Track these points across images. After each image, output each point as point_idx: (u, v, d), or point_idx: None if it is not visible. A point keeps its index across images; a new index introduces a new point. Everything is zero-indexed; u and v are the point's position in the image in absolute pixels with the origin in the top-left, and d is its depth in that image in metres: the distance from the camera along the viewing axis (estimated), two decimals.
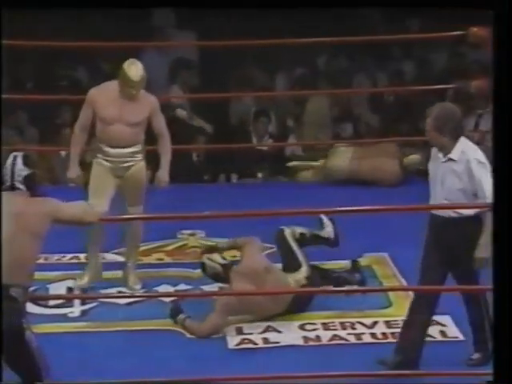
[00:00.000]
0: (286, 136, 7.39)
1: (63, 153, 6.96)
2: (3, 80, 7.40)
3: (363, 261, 5.31)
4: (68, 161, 6.84)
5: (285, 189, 6.61)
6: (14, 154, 3.60)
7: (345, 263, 5.19)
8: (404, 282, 5.04)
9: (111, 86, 4.82)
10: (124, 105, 4.76)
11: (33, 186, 3.56)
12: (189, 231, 5.68)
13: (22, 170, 3.55)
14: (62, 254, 5.34)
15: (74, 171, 4.91)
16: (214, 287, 4.91)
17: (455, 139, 4.06)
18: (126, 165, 4.84)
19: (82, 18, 7.68)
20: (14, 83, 7.61)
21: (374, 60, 8.08)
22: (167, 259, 5.42)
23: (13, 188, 3.54)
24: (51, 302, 4.75)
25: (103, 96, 4.78)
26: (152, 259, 5.38)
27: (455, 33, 5.70)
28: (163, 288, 4.97)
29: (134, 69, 4.75)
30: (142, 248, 5.46)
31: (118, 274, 5.05)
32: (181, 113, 7.32)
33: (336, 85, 7.76)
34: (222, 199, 5.97)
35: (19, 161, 3.57)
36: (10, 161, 3.58)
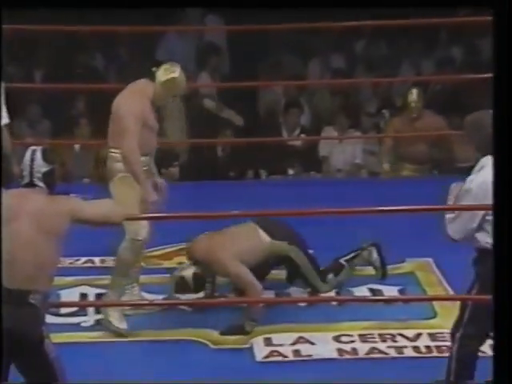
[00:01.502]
0: (319, 129, 7.36)
1: (77, 147, 7.02)
2: (13, 70, 7.49)
3: (405, 266, 5.28)
4: (83, 156, 6.92)
5: (318, 186, 6.60)
6: (33, 148, 3.61)
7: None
8: (450, 291, 5.01)
9: (147, 90, 4.67)
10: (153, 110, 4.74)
11: (52, 183, 3.58)
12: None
13: (41, 166, 3.56)
14: (76, 258, 5.36)
15: (152, 195, 4.65)
16: None
17: (482, 155, 3.94)
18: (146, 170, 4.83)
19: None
20: (25, 73, 7.67)
21: (418, 46, 8.03)
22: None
23: (32, 185, 3.55)
24: (63, 310, 4.77)
25: (146, 102, 4.67)
26: (173, 263, 5.38)
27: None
28: (185, 295, 4.97)
29: (181, 73, 4.67)
30: (163, 251, 5.49)
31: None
32: (209, 103, 7.33)
33: (376, 73, 7.74)
34: (249, 197, 5.96)
35: (38, 156, 3.57)
36: (28, 156, 3.58)
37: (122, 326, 4.59)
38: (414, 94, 6.63)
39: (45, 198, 3.54)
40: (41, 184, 3.55)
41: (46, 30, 6.37)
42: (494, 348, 3.33)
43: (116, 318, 4.58)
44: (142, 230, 4.60)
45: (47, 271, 3.47)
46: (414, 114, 6.63)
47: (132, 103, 4.59)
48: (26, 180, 3.57)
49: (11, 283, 3.40)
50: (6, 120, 5.12)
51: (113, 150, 4.62)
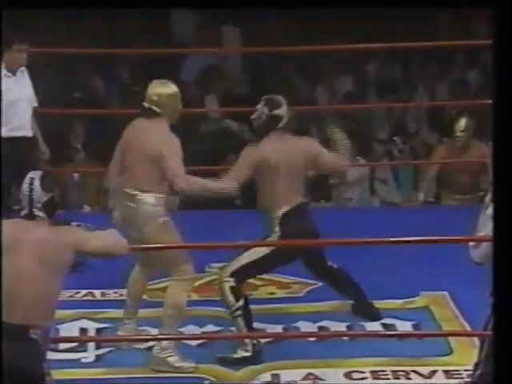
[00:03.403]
0: None
1: (76, 175, 7.11)
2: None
3: (419, 301, 5.34)
4: (82, 183, 7.02)
5: (330, 214, 6.64)
6: (31, 176, 3.60)
7: (398, 303, 5.23)
8: (467, 326, 5.05)
9: (164, 124, 4.77)
10: None
11: (53, 211, 3.58)
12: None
13: (40, 196, 3.55)
14: (76, 290, 5.42)
15: None
16: (245, 329, 4.97)
17: None
18: None
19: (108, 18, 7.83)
20: None
21: (433, 68, 8.11)
22: (194, 296, 5.47)
23: (32, 215, 3.55)
24: (62, 346, 4.81)
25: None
26: None
27: None
28: (189, 329, 5.02)
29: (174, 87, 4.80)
30: (164, 284, 5.54)
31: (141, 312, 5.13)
32: (231, 124, 7.40)
33: (388, 97, 7.81)
34: (256, 227, 6.02)
35: (37, 185, 3.56)
36: (26, 185, 3.57)
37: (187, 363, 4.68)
38: (462, 122, 6.62)
39: (47, 229, 3.55)
40: (41, 214, 3.56)
41: (43, 52, 6.49)
42: (494, 348, 3.39)
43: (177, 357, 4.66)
44: (189, 266, 4.72)
45: (49, 305, 3.49)
46: (459, 144, 6.65)
47: (172, 141, 4.68)
48: (26, 210, 3.57)
49: (11, 318, 3.43)
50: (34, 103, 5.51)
51: (146, 195, 4.67)
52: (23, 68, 5.57)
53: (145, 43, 7.14)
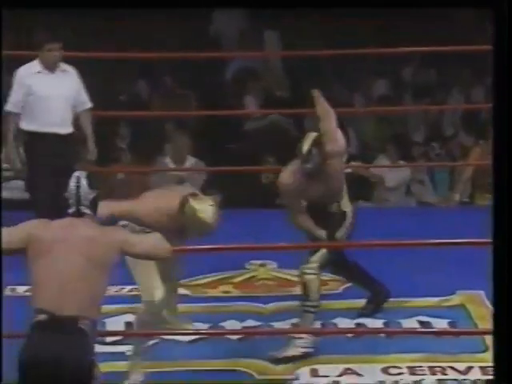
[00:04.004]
0: (367, 157, 7.39)
1: (121, 174, 7.12)
2: None
3: (455, 299, 5.28)
4: (128, 182, 7.04)
5: (368, 215, 6.60)
6: (77, 174, 3.62)
7: (434, 301, 5.18)
8: None
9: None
10: None
11: (97, 209, 3.61)
12: (259, 262, 5.72)
13: (88, 193, 3.59)
14: (121, 286, 5.42)
15: None
16: (286, 324, 4.95)
17: None
18: None
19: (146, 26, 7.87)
20: None
21: (469, 72, 8.05)
22: (234, 292, 5.47)
23: (79, 213, 3.57)
24: (108, 339, 4.82)
25: None
26: (218, 292, 5.43)
27: None
28: (230, 324, 5.00)
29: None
30: (207, 280, 5.54)
31: (181, 307, 5.12)
32: (279, 119, 7.38)
33: (424, 100, 7.76)
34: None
35: (84, 183, 3.59)
36: (73, 183, 3.59)
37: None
38: None
39: (96, 228, 3.57)
40: (88, 211, 3.58)
41: (88, 56, 6.51)
42: (494, 348, 3.34)
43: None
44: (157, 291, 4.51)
45: (96, 299, 3.50)
46: None
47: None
48: (73, 208, 3.58)
49: (61, 310, 3.44)
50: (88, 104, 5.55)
51: None
52: (68, 68, 5.56)
53: (187, 47, 7.13)
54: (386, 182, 7.18)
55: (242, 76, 8.03)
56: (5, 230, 3.58)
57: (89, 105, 5.64)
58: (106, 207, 4.16)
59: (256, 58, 8.25)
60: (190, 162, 7.04)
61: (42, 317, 3.44)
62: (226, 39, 8.38)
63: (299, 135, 6.96)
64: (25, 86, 5.42)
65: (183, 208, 4.40)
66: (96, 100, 7.68)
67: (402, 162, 7.17)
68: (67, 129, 5.54)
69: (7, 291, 5.31)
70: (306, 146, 4.69)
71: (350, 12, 7.33)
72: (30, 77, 5.45)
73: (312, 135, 4.73)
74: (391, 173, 7.20)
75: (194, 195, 4.47)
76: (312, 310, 4.71)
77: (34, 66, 5.49)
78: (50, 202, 5.24)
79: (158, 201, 4.48)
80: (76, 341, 3.42)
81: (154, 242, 3.67)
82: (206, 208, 4.42)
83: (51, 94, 5.44)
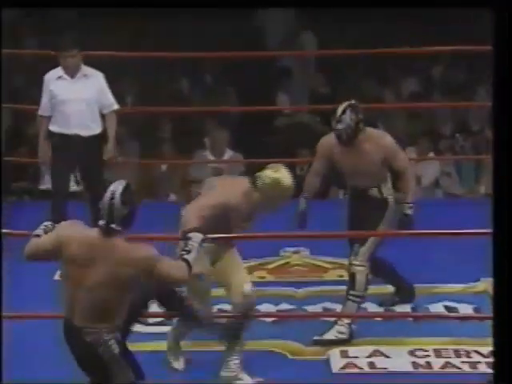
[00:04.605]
0: None
1: (164, 166, 7.15)
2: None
3: (480, 285, 5.23)
4: (169, 174, 7.05)
5: None
6: (112, 188, 3.44)
7: (460, 287, 5.14)
8: None
9: None
10: None
11: (130, 224, 3.45)
12: (292, 249, 5.71)
13: (120, 210, 3.41)
14: None
15: None
16: (318, 307, 4.93)
17: None
18: None
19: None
20: (117, 98, 7.86)
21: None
22: (269, 277, 5.46)
23: (108, 229, 3.41)
24: (150, 320, 4.83)
25: None
26: (254, 277, 5.41)
27: None
28: (265, 307, 5.00)
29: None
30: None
31: (217, 292, 5.12)
32: (305, 118, 7.38)
33: (452, 97, 7.70)
34: (330, 216, 5.96)
35: (118, 198, 3.41)
36: (107, 197, 3.42)
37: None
38: None
39: (125, 247, 3.42)
40: (119, 228, 3.41)
41: (132, 56, 6.54)
42: (494, 348, 3.27)
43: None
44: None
45: (111, 314, 3.44)
46: None
47: None
48: (104, 222, 3.42)
49: (72, 319, 3.46)
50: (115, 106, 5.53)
51: None
52: (91, 72, 5.51)
53: (227, 47, 7.12)
54: (422, 181, 7.11)
55: (278, 74, 8.02)
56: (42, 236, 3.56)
57: (114, 107, 5.57)
58: (194, 212, 4.07)
59: (295, 57, 8.23)
60: (229, 154, 7.05)
61: (64, 319, 3.52)
62: (269, 39, 8.36)
63: (326, 130, 6.97)
64: (48, 90, 5.47)
65: (264, 182, 4.29)
66: (142, 98, 7.79)
67: (431, 155, 7.11)
68: (89, 131, 5.50)
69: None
70: (340, 108, 4.66)
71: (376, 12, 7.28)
72: (52, 82, 5.48)
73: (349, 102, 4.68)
74: (424, 169, 7.14)
75: (266, 168, 4.34)
76: (357, 299, 4.66)
77: (58, 71, 5.51)
78: (64, 202, 5.36)
79: (238, 185, 4.33)
80: (81, 349, 3.45)
81: (176, 269, 3.49)
82: (284, 174, 4.33)
83: (70, 98, 5.44)
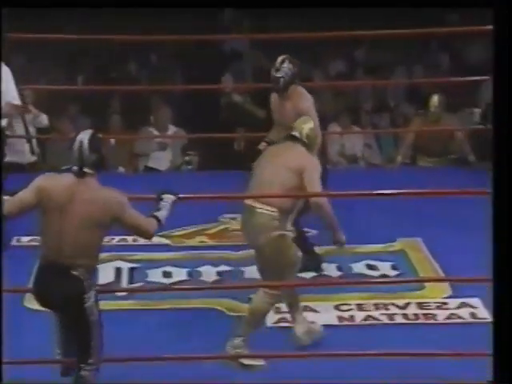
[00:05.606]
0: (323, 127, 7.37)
1: (112, 140, 7.08)
2: (59, 75, 7.57)
3: (397, 245, 5.32)
4: (118, 148, 6.98)
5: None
6: (80, 138, 3.44)
7: (379, 247, 5.21)
8: (437, 267, 5.03)
9: None
10: None
11: (100, 167, 3.47)
12: (230, 215, 5.73)
13: (89, 155, 3.42)
14: (111, 237, 5.40)
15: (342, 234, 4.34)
16: (254, 268, 4.94)
17: None
18: None
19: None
20: (69, 78, 7.74)
21: (411, 53, 8.04)
22: (209, 242, 5.47)
23: (81, 173, 3.43)
24: (100, 282, 4.80)
25: None
26: (195, 242, 5.44)
27: (489, 27, 5.63)
28: (205, 268, 5.02)
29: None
30: (186, 231, 5.54)
31: (163, 255, 5.12)
32: (237, 98, 7.35)
33: (374, 77, 7.76)
34: None
35: (86, 145, 3.42)
36: (77, 145, 3.43)
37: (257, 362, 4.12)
38: (434, 99, 6.59)
39: (96, 191, 3.44)
40: (90, 171, 3.43)
41: (84, 39, 6.41)
42: (494, 348, 3.17)
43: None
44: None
45: (90, 252, 3.47)
46: (433, 118, 6.60)
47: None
48: (76, 168, 3.44)
49: (58, 259, 3.45)
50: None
51: (268, 209, 4.10)
52: None
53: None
54: (345, 150, 7.17)
55: (228, 57, 7.94)
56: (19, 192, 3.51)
57: (15, 101, 5.21)
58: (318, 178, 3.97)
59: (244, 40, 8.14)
60: (172, 130, 7.02)
61: (43, 261, 3.48)
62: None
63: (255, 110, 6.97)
64: None
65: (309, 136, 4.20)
66: (92, 77, 7.68)
67: (355, 129, 7.17)
68: None
69: (14, 241, 5.30)
70: (280, 58, 4.67)
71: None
72: None
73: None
74: (348, 142, 7.19)
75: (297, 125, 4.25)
76: None
77: None
78: None
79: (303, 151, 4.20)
80: (68, 283, 3.44)
81: (145, 221, 3.53)
82: (310, 120, 4.28)
83: None
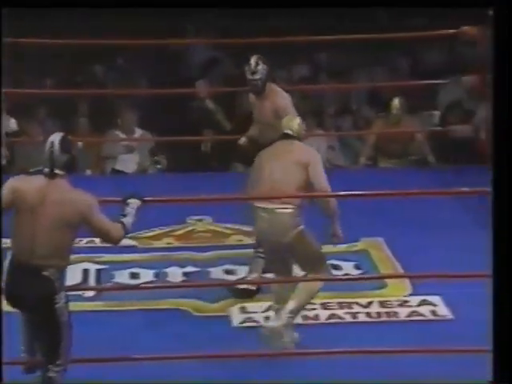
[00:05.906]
0: None
1: (80, 144, 6.99)
2: (28, 78, 7.46)
3: (360, 245, 5.31)
4: (85, 151, 6.90)
5: None
6: (51, 140, 3.40)
7: (342, 247, 5.20)
8: (398, 266, 5.03)
9: None
10: None
11: (71, 169, 3.43)
12: (197, 217, 5.68)
13: (60, 156, 3.38)
14: (79, 239, 5.31)
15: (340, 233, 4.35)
16: (219, 269, 4.92)
17: None
18: None
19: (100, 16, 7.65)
20: (35, 80, 7.63)
21: (372, 57, 8.05)
22: (176, 243, 5.42)
23: (52, 174, 3.39)
24: (68, 283, 4.71)
25: None
26: (162, 243, 5.39)
27: (449, 31, 5.65)
28: (172, 269, 4.97)
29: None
30: (153, 233, 5.49)
31: (130, 256, 5.06)
32: (210, 105, 7.29)
33: (336, 80, 7.75)
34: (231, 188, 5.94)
35: (57, 146, 3.38)
36: (48, 146, 3.39)
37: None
38: (395, 102, 6.61)
39: (66, 192, 3.40)
40: (61, 172, 3.40)
41: (54, 43, 6.31)
42: (494, 347, 3.11)
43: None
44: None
45: (61, 253, 3.43)
46: (394, 120, 6.62)
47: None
48: (47, 169, 3.40)
49: (30, 259, 3.41)
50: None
51: (288, 207, 4.05)
52: None
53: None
54: None
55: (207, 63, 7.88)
56: None
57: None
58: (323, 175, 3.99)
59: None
60: (138, 133, 6.96)
61: (15, 262, 3.45)
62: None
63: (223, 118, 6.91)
64: None
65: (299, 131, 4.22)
66: (60, 81, 7.57)
67: (319, 131, 7.16)
68: None
69: None
70: (253, 60, 4.63)
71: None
72: None
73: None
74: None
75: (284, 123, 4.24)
76: (262, 255, 4.58)
77: None
78: None
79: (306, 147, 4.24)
80: (39, 284, 3.40)
81: (112, 226, 3.49)
82: (294, 116, 4.30)
83: None
